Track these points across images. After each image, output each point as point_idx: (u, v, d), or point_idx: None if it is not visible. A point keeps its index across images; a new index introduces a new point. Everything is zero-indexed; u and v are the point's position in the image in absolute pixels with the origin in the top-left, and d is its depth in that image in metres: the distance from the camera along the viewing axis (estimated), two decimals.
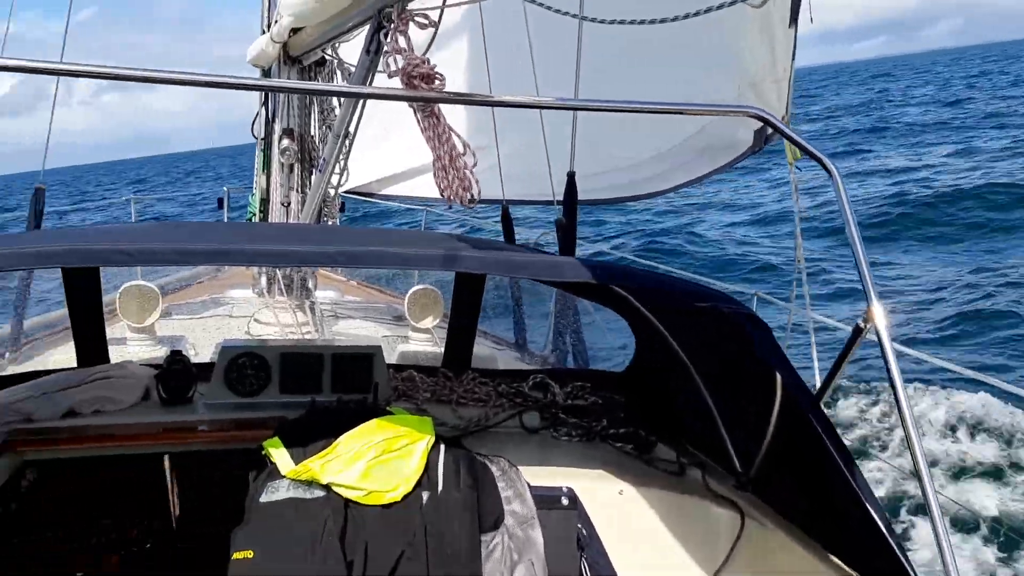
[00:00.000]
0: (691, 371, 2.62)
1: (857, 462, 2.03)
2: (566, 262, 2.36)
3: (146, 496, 3.49)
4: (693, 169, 7.10)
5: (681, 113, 2.14)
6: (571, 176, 4.65)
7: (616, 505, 2.48)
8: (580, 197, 4.70)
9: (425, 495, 2.26)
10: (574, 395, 3.16)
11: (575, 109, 3.92)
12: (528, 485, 2.35)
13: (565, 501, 2.34)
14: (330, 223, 5.84)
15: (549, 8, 4.35)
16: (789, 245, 13.30)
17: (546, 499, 2.33)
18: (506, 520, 2.26)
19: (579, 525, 2.34)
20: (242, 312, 6.64)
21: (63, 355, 5.03)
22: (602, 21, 3.60)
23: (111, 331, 3.77)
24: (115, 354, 3.69)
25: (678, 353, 2.64)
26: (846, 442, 2.32)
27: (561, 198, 4.71)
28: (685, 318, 2.51)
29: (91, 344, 3.54)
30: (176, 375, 3.15)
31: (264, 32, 5.59)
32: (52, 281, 6.16)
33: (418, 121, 2.81)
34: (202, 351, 5.31)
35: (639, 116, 5.67)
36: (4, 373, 4.02)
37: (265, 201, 6.15)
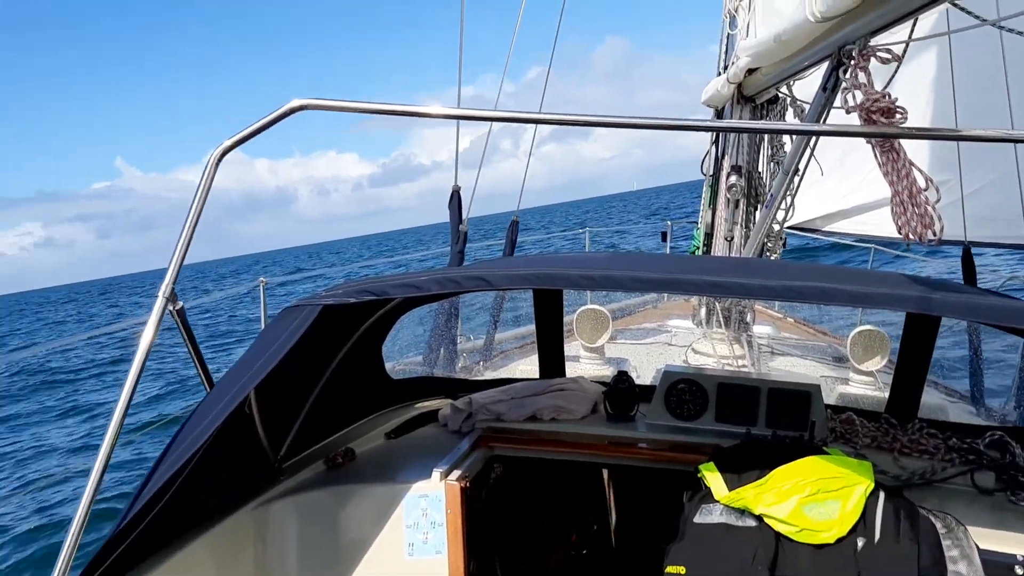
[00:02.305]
0: None
1: None
2: None
3: (587, 503, 3.79)
4: None
5: None
6: None
7: None
8: None
9: (860, 541, 2.21)
10: None
11: None
12: (977, 547, 2.17)
13: (1020, 570, 2.12)
14: (772, 258, 5.84)
15: None
16: None
17: (998, 565, 2.13)
18: None
19: None
20: (680, 341, 6.89)
21: (527, 366, 5.67)
22: None
23: (567, 348, 4.18)
24: (569, 369, 4.08)
25: None
26: None
27: None
28: None
29: (552, 358, 3.96)
30: (622, 394, 3.40)
31: (719, 74, 5.80)
32: (516, 301, 6.96)
33: (875, 156, 2.74)
34: (643, 374, 5.63)
35: None
36: (480, 378, 4.63)
37: (709, 235, 6.34)
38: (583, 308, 5.83)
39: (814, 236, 8.85)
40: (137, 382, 2.17)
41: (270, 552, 2.77)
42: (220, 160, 2.34)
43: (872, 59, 2.91)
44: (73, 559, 1.94)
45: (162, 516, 2.19)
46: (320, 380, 3.01)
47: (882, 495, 2.28)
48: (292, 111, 2.30)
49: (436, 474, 2.82)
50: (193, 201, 2.34)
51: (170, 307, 2.29)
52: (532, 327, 4.26)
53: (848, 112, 2.84)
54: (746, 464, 2.46)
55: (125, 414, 2.10)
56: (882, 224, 6.84)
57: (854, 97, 2.80)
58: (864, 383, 5.32)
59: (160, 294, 2.26)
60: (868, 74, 2.86)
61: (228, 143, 2.34)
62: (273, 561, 2.77)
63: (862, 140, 2.87)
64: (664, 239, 10.43)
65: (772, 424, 3.11)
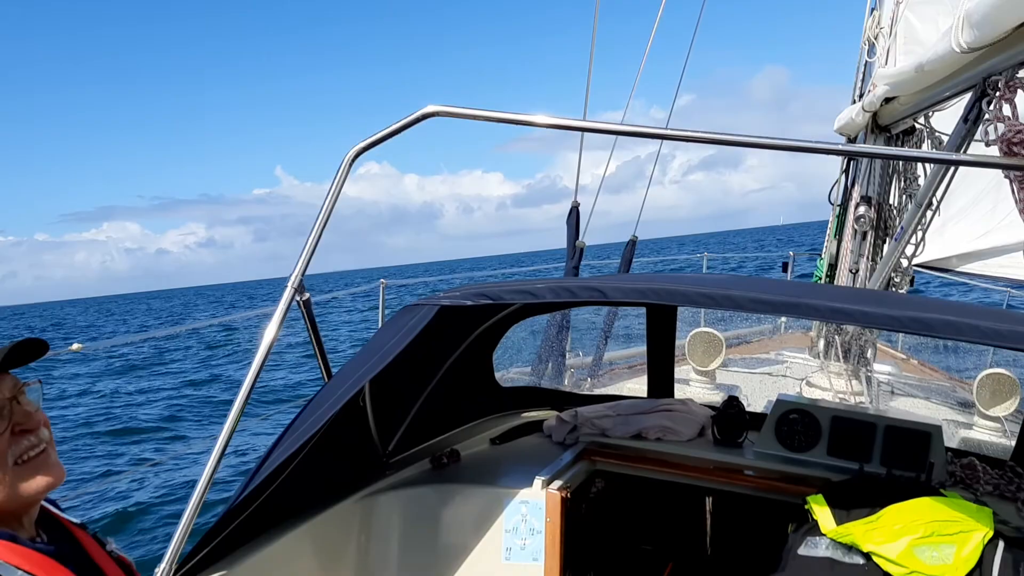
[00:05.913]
0: None
1: None
2: None
3: (686, 527, 3.75)
4: None
5: None
6: None
7: None
8: None
9: None
10: None
11: None
12: None
13: None
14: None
15: None
16: None
17: None
18: None
19: None
20: (795, 373, 6.72)
21: (635, 384, 5.66)
22: None
23: (677, 371, 4.14)
24: (678, 392, 4.05)
25: None
26: None
27: None
28: None
29: (661, 378, 3.94)
30: (731, 419, 3.35)
31: (854, 102, 5.64)
32: (628, 319, 6.93)
33: (1013, 192, 2.63)
34: (754, 403, 5.53)
35: None
36: (587, 393, 4.64)
37: (833, 267, 6.17)
38: (696, 330, 5.77)
39: (945, 275, 8.47)
40: (261, 367, 2.28)
41: (373, 543, 2.85)
42: (354, 160, 2.44)
43: (1019, 91, 2.80)
44: (187, 537, 2.04)
45: (274, 498, 2.29)
46: (432, 380, 3.09)
47: (1001, 544, 2.18)
48: (424, 116, 2.39)
49: (538, 482, 2.84)
50: (326, 197, 2.46)
51: (297, 297, 2.40)
52: (642, 348, 4.23)
53: (988, 144, 2.74)
54: (857, 500, 2.40)
55: (247, 398, 2.21)
56: (1022, 267, 6.52)
57: (995, 129, 2.70)
58: (990, 429, 5.10)
59: (289, 284, 2.37)
60: (1014, 106, 2.75)
61: (362, 145, 2.45)
62: (376, 552, 2.85)
63: (1003, 178, 2.73)
64: (785, 269, 10.21)
65: (887, 463, 3.01)
